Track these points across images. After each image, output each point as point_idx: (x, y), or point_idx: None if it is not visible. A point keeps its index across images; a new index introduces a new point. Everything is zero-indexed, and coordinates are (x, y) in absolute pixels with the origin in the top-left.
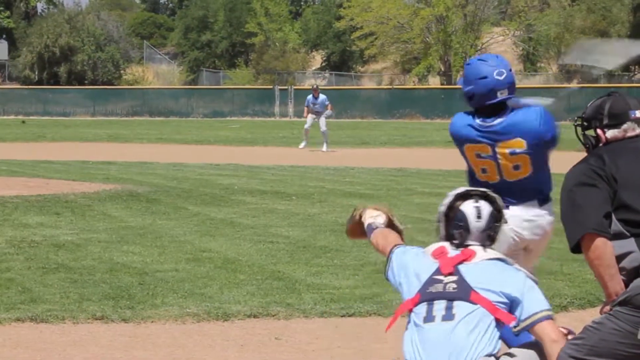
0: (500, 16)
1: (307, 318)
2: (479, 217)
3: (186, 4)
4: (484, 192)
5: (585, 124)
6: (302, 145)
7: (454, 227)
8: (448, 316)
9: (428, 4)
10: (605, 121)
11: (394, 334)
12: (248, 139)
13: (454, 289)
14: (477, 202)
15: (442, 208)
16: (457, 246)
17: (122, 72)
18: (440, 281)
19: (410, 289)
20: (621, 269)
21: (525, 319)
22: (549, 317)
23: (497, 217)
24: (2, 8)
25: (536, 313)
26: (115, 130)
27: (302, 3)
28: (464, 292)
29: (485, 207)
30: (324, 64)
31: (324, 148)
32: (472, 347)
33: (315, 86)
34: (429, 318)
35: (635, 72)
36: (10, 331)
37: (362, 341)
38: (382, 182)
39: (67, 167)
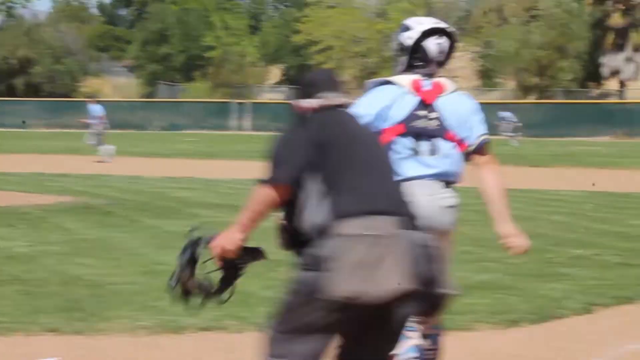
0: (459, 32)
1: (260, 332)
2: (440, 52)
3: (144, 17)
4: (445, 28)
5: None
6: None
7: (417, 59)
8: (433, 151)
9: (385, 18)
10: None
11: None
12: (205, 152)
13: (435, 126)
14: (439, 38)
15: (409, 42)
16: (426, 76)
17: (79, 84)
18: (423, 117)
19: (390, 119)
20: None
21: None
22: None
23: (453, 50)
24: None
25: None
26: (71, 142)
27: (261, 17)
28: (442, 130)
29: (446, 43)
30: (282, 78)
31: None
32: (453, 168)
33: (89, 95)
34: (416, 152)
35: (592, 89)
36: None
37: None
38: None
39: (22, 179)
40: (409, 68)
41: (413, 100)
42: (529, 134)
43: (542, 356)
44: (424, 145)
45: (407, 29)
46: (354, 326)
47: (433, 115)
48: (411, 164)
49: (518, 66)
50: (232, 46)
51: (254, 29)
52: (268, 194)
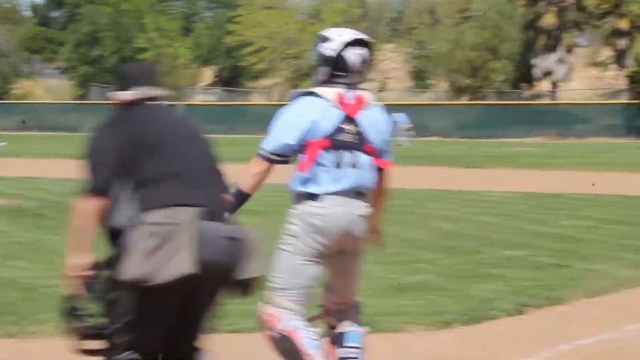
0: (392, 33)
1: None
2: (361, 62)
3: (77, 19)
4: (365, 38)
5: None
6: None
7: (338, 70)
8: (354, 164)
9: (319, 19)
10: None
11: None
12: None
13: (357, 139)
14: (360, 49)
15: (332, 53)
16: (347, 87)
17: (11, 86)
18: (347, 131)
19: (316, 133)
20: None
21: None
22: None
23: (372, 61)
24: None
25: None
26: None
27: (194, 19)
28: (363, 144)
29: (367, 54)
30: (215, 80)
31: None
32: (369, 179)
33: None
34: (339, 165)
35: (524, 89)
36: None
37: (249, 356)
38: (272, 198)
39: None
40: (331, 78)
41: (338, 114)
42: (462, 135)
43: (473, 357)
44: (347, 158)
45: (326, 39)
46: (161, 313)
47: (356, 129)
48: (333, 177)
49: (451, 67)
50: (165, 48)
51: (187, 31)
52: (87, 206)
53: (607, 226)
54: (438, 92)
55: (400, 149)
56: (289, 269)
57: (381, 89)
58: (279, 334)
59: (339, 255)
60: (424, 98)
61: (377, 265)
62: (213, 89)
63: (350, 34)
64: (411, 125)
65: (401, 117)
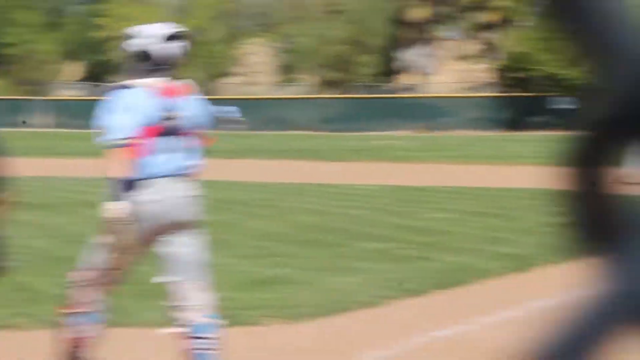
0: (260, 28)
1: (51, 329)
2: (182, 55)
3: None
4: (183, 31)
5: None
6: None
7: (157, 64)
8: (181, 149)
9: (189, 15)
10: None
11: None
12: None
13: (182, 124)
14: (179, 41)
15: (153, 47)
16: (166, 78)
17: None
18: (172, 117)
19: (143, 121)
20: None
21: None
22: None
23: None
24: None
25: None
26: None
27: (62, 13)
28: (184, 129)
29: (186, 46)
30: (84, 75)
31: None
32: (196, 160)
33: None
34: (165, 150)
35: (392, 83)
36: None
37: (105, 348)
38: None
39: None
40: (151, 72)
41: (160, 103)
42: (328, 129)
43: (330, 349)
44: (174, 143)
45: (138, 36)
46: None
47: (179, 114)
48: (159, 162)
49: (318, 61)
50: (33, 43)
51: (55, 26)
52: None
53: (473, 219)
54: (306, 86)
55: (262, 144)
56: (111, 252)
57: (249, 83)
58: (67, 328)
59: (171, 237)
60: (292, 92)
61: (237, 259)
62: (81, 84)
63: (165, 28)
64: (243, 119)
65: (232, 110)
